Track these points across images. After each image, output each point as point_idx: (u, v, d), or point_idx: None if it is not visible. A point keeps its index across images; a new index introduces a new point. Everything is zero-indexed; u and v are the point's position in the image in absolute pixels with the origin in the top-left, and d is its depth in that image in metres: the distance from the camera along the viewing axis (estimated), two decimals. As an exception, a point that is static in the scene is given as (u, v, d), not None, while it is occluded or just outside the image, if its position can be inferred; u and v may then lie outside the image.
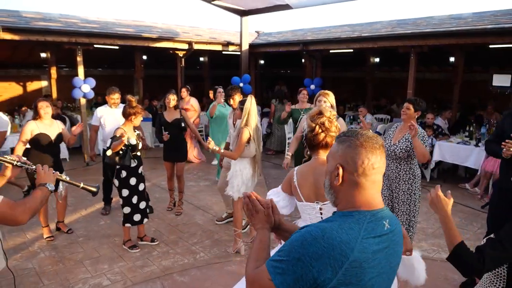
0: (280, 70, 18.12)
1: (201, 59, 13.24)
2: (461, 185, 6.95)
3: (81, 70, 8.01)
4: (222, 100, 6.73)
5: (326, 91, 4.46)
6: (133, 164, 4.22)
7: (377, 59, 11.23)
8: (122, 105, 5.66)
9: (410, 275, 2.11)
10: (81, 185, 2.35)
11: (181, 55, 9.57)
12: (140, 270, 3.97)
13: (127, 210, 4.28)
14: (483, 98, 9.96)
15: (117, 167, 4.18)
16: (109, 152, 4.04)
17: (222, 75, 15.09)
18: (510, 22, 6.40)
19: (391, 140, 3.74)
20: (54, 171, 2.24)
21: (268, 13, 9.12)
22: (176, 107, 5.51)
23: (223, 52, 11.09)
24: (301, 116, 5.37)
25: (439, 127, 7.66)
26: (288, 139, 8.53)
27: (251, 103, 4.02)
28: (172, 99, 5.42)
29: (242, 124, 4.02)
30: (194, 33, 10.26)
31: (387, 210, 1.30)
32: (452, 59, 9.58)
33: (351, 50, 10.29)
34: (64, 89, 11.19)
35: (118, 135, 4.06)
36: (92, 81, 8.03)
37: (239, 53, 10.25)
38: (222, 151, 4.16)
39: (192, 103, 7.97)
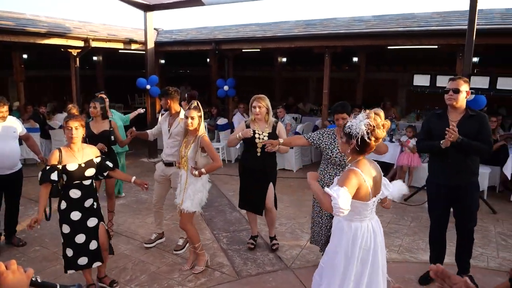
0: (179, 70, 17.31)
1: (95, 58, 11.82)
2: (379, 180, 7.25)
3: None
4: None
5: (261, 96, 4.24)
6: (75, 195, 3.31)
7: (284, 59, 11.31)
8: (11, 117, 4.53)
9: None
10: None
11: (75, 54, 8.25)
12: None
13: (69, 252, 3.33)
14: (381, 96, 10.73)
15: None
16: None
17: (118, 75, 13.81)
18: (418, 26, 6.86)
19: (338, 150, 3.59)
20: (33, 278, 1.20)
21: (176, 9, 8.42)
22: (104, 116, 4.68)
23: (120, 51, 10.00)
24: None
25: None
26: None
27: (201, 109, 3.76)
28: (99, 107, 4.64)
29: (201, 133, 3.73)
30: (88, 29, 8.98)
31: None
32: (355, 59, 10.09)
33: (258, 50, 10.18)
34: None
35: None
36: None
37: (142, 52, 9.33)
38: (203, 171, 3.67)
39: None
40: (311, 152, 8.86)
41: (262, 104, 4.12)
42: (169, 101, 4.35)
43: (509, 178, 6.13)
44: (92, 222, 3.40)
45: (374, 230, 2.56)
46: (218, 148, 8.41)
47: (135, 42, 9.29)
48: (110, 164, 3.56)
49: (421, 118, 9.78)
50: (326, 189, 2.31)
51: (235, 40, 8.55)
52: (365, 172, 2.42)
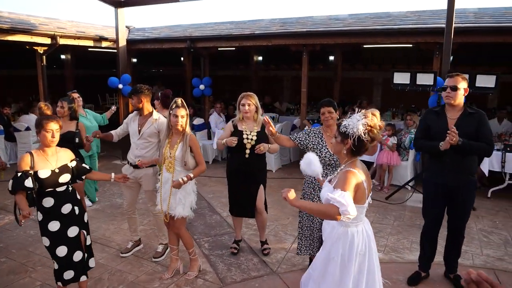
0: (152, 69, 16.89)
1: (63, 56, 11.28)
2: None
3: None
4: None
5: (249, 93, 4.09)
6: (48, 204, 2.97)
7: (260, 58, 11.17)
8: None
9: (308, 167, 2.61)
10: None
11: (41, 52, 7.81)
12: None
13: (55, 265, 3.06)
14: (356, 94, 10.79)
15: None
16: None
17: (89, 74, 13.28)
18: (395, 24, 6.87)
19: (327, 149, 3.47)
20: None
21: (149, 5, 8.13)
22: (72, 117, 4.42)
23: (90, 49, 9.56)
24: None
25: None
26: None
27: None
28: (66, 107, 4.42)
29: (188, 132, 3.61)
30: (55, 25, 8.52)
31: None
32: (331, 57, 10.07)
33: (234, 49, 10.00)
34: None
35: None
36: None
37: (113, 50, 8.95)
38: (191, 175, 3.55)
39: None
40: (290, 152, 8.76)
41: (251, 101, 3.97)
42: (142, 99, 4.07)
43: (486, 174, 6.22)
44: (73, 231, 3.07)
45: (368, 233, 2.46)
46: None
47: (106, 39, 8.90)
48: (87, 166, 3.32)
49: (396, 117, 9.90)
50: (330, 195, 2.17)
51: (211, 37, 8.32)
52: (361, 173, 2.32)
